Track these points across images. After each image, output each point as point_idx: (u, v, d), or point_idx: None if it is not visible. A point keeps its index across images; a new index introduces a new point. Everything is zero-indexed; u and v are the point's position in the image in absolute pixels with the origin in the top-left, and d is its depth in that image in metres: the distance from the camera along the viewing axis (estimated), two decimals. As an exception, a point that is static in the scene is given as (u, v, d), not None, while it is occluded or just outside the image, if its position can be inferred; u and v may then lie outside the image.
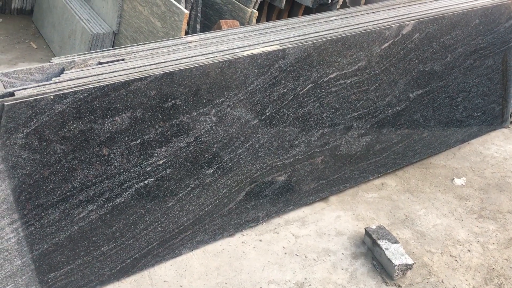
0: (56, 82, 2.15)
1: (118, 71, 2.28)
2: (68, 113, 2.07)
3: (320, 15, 3.25)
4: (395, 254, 2.60)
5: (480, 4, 3.48)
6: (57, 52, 4.93)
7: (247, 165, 2.71)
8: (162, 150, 2.38)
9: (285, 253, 2.71)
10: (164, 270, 2.54)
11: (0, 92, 2.04)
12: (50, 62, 2.33)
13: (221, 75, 2.43)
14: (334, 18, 3.19)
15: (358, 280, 2.57)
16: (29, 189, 2.06)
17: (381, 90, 3.14)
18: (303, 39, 2.75)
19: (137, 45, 2.62)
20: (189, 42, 2.68)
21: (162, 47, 2.61)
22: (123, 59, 2.44)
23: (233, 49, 2.59)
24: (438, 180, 3.41)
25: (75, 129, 2.10)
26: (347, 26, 2.99)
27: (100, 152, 2.20)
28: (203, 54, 2.52)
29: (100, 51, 2.52)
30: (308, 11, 4.26)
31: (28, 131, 1.99)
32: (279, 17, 4.24)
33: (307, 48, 2.69)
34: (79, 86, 2.11)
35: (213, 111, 2.47)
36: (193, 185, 2.55)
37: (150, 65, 2.36)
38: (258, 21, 4.15)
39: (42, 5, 5.43)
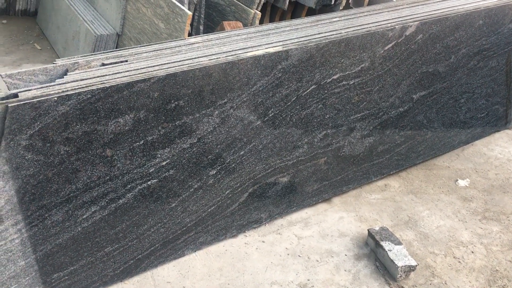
0: (60, 84, 2.15)
1: (121, 72, 2.29)
2: (72, 115, 2.07)
3: (323, 16, 3.25)
4: (398, 255, 2.59)
5: (484, 5, 3.47)
6: (61, 54, 4.94)
7: (250, 166, 2.71)
8: (165, 151, 2.38)
9: (288, 254, 2.71)
10: (167, 271, 2.54)
11: (4, 94, 2.05)
12: (53, 63, 2.34)
13: (224, 76, 2.44)
14: (337, 19, 3.19)
15: (361, 281, 2.57)
16: (32, 190, 2.07)
17: (384, 91, 3.13)
18: (306, 40, 2.75)
19: (140, 46, 2.63)
20: (192, 44, 2.69)
21: (165, 49, 2.61)
22: (126, 61, 2.45)
23: (236, 50, 2.60)
24: (441, 181, 3.40)
25: (78, 130, 2.11)
26: (350, 27, 2.98)
27: (103, 153, 2.21)
28: (206, 56, 2.52)
29: (103, 53, 2.53)
30: (311, 12, 4.27)
31: (32, 132, 2.00)
32: (282, 18, 4.24)
33: (310, 49, 2.69)
34: (83, 87, 2.12)
35: (216, 112, 2.48)
36: (196, 186, 2.55)
37: (153, 66, 2.37)
38: (261, 22, 4.16)
39: (46, 7, 5.45)
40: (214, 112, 2.47)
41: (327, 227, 2.92)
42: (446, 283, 2.59)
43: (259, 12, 3.56)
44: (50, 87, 2.12)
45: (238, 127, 2.59)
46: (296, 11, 4.30)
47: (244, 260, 2.64)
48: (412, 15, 3.24)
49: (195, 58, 2.49)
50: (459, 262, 2.73)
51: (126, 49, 2.58)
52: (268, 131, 2.71)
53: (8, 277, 2.11)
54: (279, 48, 2.61)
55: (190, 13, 3.24)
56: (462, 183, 3.38)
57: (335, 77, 2.86)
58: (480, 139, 3.91)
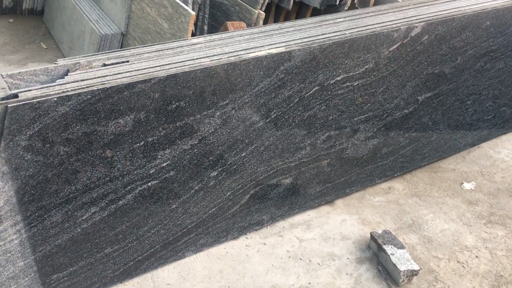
0: (60, 84, 2.15)
1: (122, 73, 2.28)
2: (72, 115, 2.06)
3: (327, 16, 3.22)
4: (401, 259, 2.56)
5: (492, 6, 3.42)
6: (67, 53, 4.95)
7: (251, 168, 2.69)
8: (166, 152, 2.37)
9: (289, 257, 2.68)
10: (167, 273, 2.53)
11: (4, 94, 2.04)
12: (55, 63, 2.34)
13: (225, 77, 2.42)
14: (341, 19, 3.16)
15: (363, 285, 2.54)
16: (32, 191, 2.06)
17: (389, 93, 3.10)
18: (309, 41, 2.72)
19: (142, 46, 2.62)
20: (195, 44, 2.67)
21: (167, 49, 2.60)
22: (127, 61, 2.43)
23: (238, 51, 2.58)
24: (446, 184, 3.36)
25: (78, 131, 2.10)
26: (354, 28, 2.95)
27: (103, 154, 2.20)
28: (208, 56, 2.50)
29: (105, 53, 2.52)
30: (316, 12, 4.23)
31: (31, 133, 1.99)
32: (286, 18, 4.22)
33: (313, 50, 2.66)
34: (83, 88, 2.11)
35: (218, 113, 2.46)
36: (197, 187, 2.53)
37: (154, 67, 2.36)
38: (265, 22, 4.13)
39: (53, 6, 5.47)
40: (215, 113, 2.45)
41: (329, 229, 2.89)
42: (449, 288, 2.56)
43: (263, 13, 3.54)
44: (50, 88, 2.11)
45: (240, 129, 2.57)
46: (301, 11, 4.27)
47: (245, 263, 2.63)
48: (418, 15, 3.20)
49: (196, 58, 2.47)
50: (463, 266, 2.69)
51: (128, 49, 2.57)
52: (270, 133, 2.68)
53: (7, 277, 2.11)
54: (282, 49, 2.59)
55: (193, 13, 3.22)
56: (467, 186, 3.34)
57: (338, 78, 2.83)
58: (486, 141, 3.86)
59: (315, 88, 2.76)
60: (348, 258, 2.70)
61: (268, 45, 2.67)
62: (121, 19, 4.32)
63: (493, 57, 3.57)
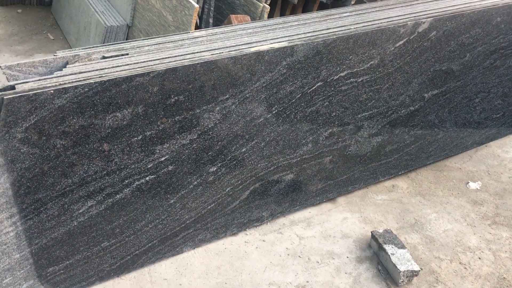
0: (58, 76, 2.13)
1: (121, 66, 2.25)
2: (69, 108, 2.05)
3: (333, 11, 3.17)
4: (401, 259, 2.52)
5: (503, 2, 3.33)
6: (73, 44, 4.95)
7: (252, 164, 2.66)
8: (164, 147, 2.34)
9: (288, 255, 2.66)
10: (165, 268, 2.52)
11: (1, 85, 2.03)
12: (54, 55, 2.32)
13: (226, 71, 2.38)
14: (347, 14, 3.10)
15: (362, 285, 2.51)
16: (28, 183, 2.05)
17: (394, 90, 3.04)
18: (313, 36, 2.67)
19: (143, 39, 2.59)
20: (196, 37, 2.64)
21: (168, 42, 2.57)
22: (127, 54, 2.41)
23: (240, 45, 2.54)
24: (451, 183, 3.30)
25: (75, 124, 2.08)
26: (360, 23, 2.90)
27: (100, 148, 2.18)
28: (209, 50, 2.47)
29: (105, 45, 2.49)
30: (323, 6, 4.17)
31: (27, 125, 1.98)
32: (293, 12, 4.16)
33: (316, 45, 2.61)
34: (81, 80, 2.09)
35: (218, 108, 2.43)
36: (195, 182, 2.51)
37: (153, 60, 2.33)
38: (271, 16, 4.08)
39: (60, -3, 5.47)
40: (215, 108, 2.42)
41: (330, 227, 2.86)
42: (450, 290, 2.52)
43: (268, 6, 3.49)
44: (48, 80, 2.10)
45: (240, 124, 2.53)
46: (307, 5, 4.20)
47: (243, 259, 2.60)
48: (426, 11, 3.13)
49: (197, 52, 2.44)
50: (465, 268, 2.64)
51: (128, 42, 2.55)
52: (271, 128, 2.65)
53: (2, 269, 2.11)
54: (285, 44, 2.54)
55: (197, 6, 3.19)
56: (473, 185, 3.28)
57: (342, 74, 2.78)
58: (494, 140, 3.79)
59: (318, 83, 2.72)
60: (347, 257, 2.67)
61: (271, 39, 2.63)
62: (126, 11, 4.30)
63: (504, 54, 3.49)
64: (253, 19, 3.55)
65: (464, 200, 3.14)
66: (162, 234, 2.51)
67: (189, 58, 2.35)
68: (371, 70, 2.89)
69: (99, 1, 4.74)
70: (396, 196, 3.15)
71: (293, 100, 2.66)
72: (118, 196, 2.30)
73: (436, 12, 3.10)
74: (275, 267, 2.57)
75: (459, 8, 3.18)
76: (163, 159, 2.36)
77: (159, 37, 2.62)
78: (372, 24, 2.87)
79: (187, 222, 2.57)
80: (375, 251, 2.69)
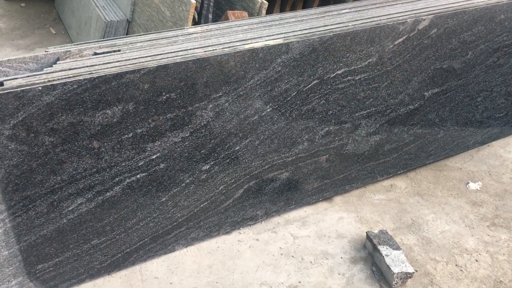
0: (47, 73, 2.11)
1: (111, 62, 2.23)
2: (57, 105, 2.03)
3: (332, 7, 3.12)
4: (395, 261, 2.48)
5: (506, -1, 3.26)
6: (75, 39, 4.94)
7: (245, 162, 2.63)
8: (156, 144, 2.32)
9: (281, 254, 2.63)
10: (156, 266, 2.50)
11: (-10, 82, 2.02)
12: (45, 51, 2.30)
13: (219, 69, 2.35)
14: (346, 10, 3.05)
15: (355, 286, 2.47)
16: (16, 181, 2.04)
17: (393, 88, 2.99)
18: (309, 33, 2.63)
19: (136, 35, 2.57)
20: (190, 34, 2.61)
21: (161, 38, 2.54)
22: (119, 50, 2.39)
23: (234, 42, 2.50)
24: (451, 183, 3.25)
25: (64, 121, 2.06)
26: (358, 20, 2.84)
27: (90, 145, 2.16)
28: (202, 47, 2.44)
29: (98, 41, 2.47)
30: (323, 2, 4.11)
31: (15, 122, 1.96)
32: (293, 8, 4.11)
33: (312, 42, 2.57)
34: (70, 77, 2.06)
35: (210, 105, 2.40)
36: (188, 181, 2.49)
37: (145, 57, 2.30)
38: (271, 12, 4.04)
39: (63, -9, 5.46)
40: (208, 105, 2.39)
41: (325, 227, 2.83)
42: (445, 293, 2.48)
43: (266, 2, 3.44)
44: (37, 76, 2.08)
45: (234, 122, 2.50)
46: (307, 1, 4.15)
47: (235, 258, 2.58)
48: (426, 7, 3.07)
49: (190, 49, 2.41)
50: (461, 270, 2.60)
51: (121, 38, 2.52)
52: (265, 127, 2.61)
53: (-9, 266, 2.11)
54: (280, 41, 2.50)
55: (193, 1, 3.15)
56: (473, 186, 3.22)
57: (339, 72, 2.74)
58: (497, 140, 3.72)
59: (314, 81, 2.67)
60: (342, 258, 2.63)
61: (266, 36, 2.59)
62: (127, 5, 4.27)
63: (507, 52, 3.42)
64: (251, 15, 3.51)
65: (463, 201, 3.09)
66: (154, 232, 2.49)
67: (182, 55, 2.32)
68: (369, 68, 2.84)
69: (101, -5, 4.72)
70: (394, 196, 3.11)
71: (288, 98, 2.62)
72: (108, 193, 2.29)
73: (437, 9, 3.03)
74: (268, 266, 2.55)
75: (461, 5, 3.12)
76: (154, 157, 2.34)
77: (153, 33, 2.60)
78: (370, 21, 2.82)
79: (179, 220, 2.55)
80: (370, 252, 2.65)
